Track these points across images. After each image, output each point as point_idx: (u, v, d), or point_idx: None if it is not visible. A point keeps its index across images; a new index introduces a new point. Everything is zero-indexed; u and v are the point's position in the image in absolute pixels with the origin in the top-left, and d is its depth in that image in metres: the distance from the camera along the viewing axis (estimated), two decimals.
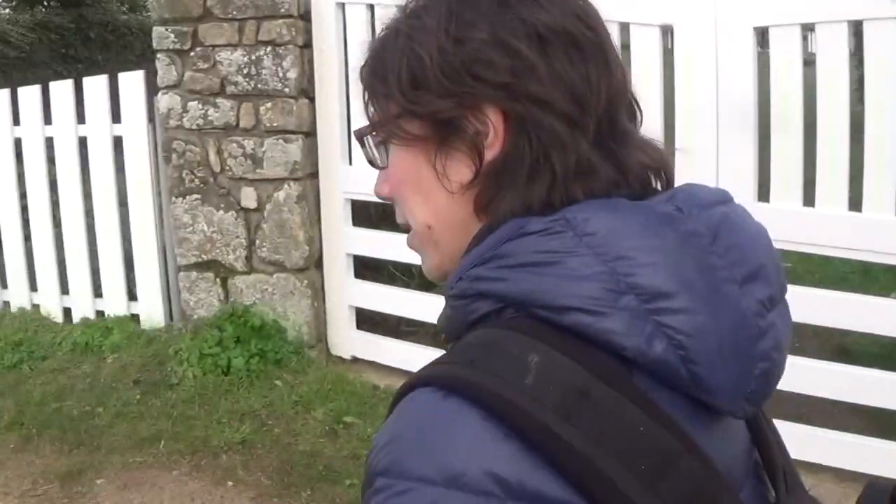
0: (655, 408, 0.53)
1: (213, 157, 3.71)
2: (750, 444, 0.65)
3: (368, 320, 3.90)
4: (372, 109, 0.66)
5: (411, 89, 0.61)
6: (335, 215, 3.75)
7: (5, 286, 4.44)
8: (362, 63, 0.66)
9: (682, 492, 0.51)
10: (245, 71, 3.63)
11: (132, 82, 3.80)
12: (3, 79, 7.12)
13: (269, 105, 3.64)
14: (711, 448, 0.55)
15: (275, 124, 3.65)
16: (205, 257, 3.80)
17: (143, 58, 9.08)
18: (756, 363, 0.57)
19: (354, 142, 3.36)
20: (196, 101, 3.68)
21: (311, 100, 3.71)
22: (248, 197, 3.72)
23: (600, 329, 0.53)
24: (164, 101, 3.72)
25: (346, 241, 3.77)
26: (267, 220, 3.72)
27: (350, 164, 3.67)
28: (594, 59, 0.61)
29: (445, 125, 0.60)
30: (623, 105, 0.64)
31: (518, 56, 0.59)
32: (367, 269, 3.90)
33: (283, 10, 3.55)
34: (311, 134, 3.72)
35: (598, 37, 0.62)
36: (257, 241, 3.75)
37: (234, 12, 3.60)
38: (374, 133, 0.66)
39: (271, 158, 3.67)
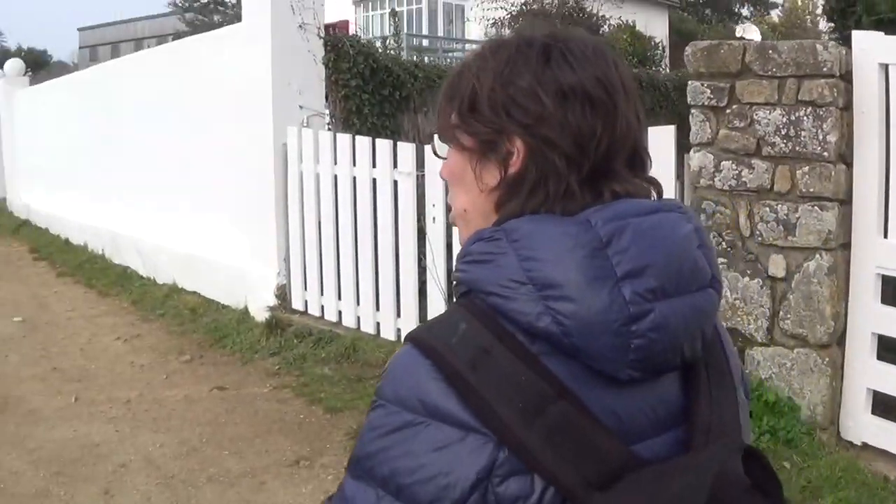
0: (539, 364, 0.79)
1: (742, 221, 3.79)
2: (680, 400, 0.87)
3: (882, 405, 3.63)
4: (442, 118, 0.96)
5: (468, 113, 0.90)
6: (864, 290, 3.56)
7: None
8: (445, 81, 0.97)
9: (551, 427, 0.77)
10: (783, 132, 3.61)
11: (663, 137, 3.97)
12: None
13: (805, 169, 3.56)
14: (605, 401, 0.80)
15: (811, 190, 3.56)
16: (726, 324, 3.97)
17: (650, 112, 9.14)
18: (630, 339, 0.79)
19: (892, 213, 3.15)
20: (729, 161, 3.79)
21: (848, 165, 3.51)
22: (777, 265, 3.72)
23: (507, 308, 0.81)
24: (697, 158, 3.89)
25: (872, 318, 3.57)
26: (794, 290, 3.68)
27: (885, 237, 3.39)
28: (603, 116, 0.86)
29: (486, 143, 0.89)
30: (624, 153, 0.88)
31: (542, 105, 0.85)
32: (888, 350, 3.59)
33: (825, 70, 3.42)
34: (845, 202, 3.54)
35: (612, 98, 0.87)
36: (781, 313, 3.74)
37: (774, 69, 3.59)
38: (440, 135, 0.97)
39: (804, 226, 3.60)
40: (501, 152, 0.87)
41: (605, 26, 16.39)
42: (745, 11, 32.93)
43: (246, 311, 6.33)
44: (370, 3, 23.69)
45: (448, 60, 14.27)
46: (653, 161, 0.94)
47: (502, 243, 0.83)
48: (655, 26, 20.34)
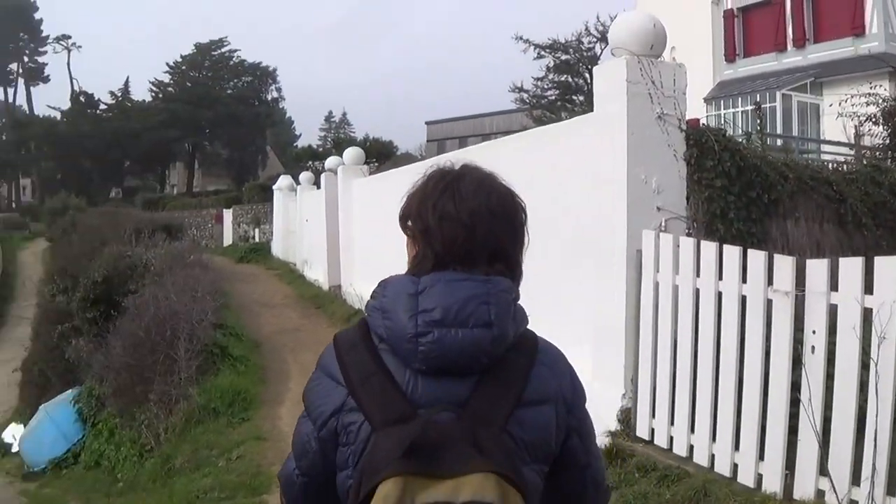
0: (377, 354, 1.68)
1: None
2: (465, 393, 1.63)
3: None
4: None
5: (401, 218, 1.81)
6: None
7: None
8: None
9: (373, 388, 1.64)
10: None
11: None
12: None
13: None
14: (408, 381, 1.64)
15: None
16: None
17: None
18: (418, 347, 1.61)
19: None
20: None
21: None
22: None
23: (370, 322, 1.70)
24: None
25: None
26: None
27: None
28: (466, 231, 1.70)
29: (408, 235, 1.80)
30: (485, 251, 1.72)
31: (428, 223, 1.73)
32: None
33: None
34: None
35: (473, 221, 1.71)
36: None
37: None
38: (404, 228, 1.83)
39: None
40: (414, 240, 1.78)
41: None
42: None
43: None
44: (722, 101, 23.89)
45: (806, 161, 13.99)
46: None
47: (379, 289, 1.74)
48: None
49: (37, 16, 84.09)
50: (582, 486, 1.82)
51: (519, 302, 1.74)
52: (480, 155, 10.24)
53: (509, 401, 1.63)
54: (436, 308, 1.62)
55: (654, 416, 5.97)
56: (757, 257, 5.27)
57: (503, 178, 1.87)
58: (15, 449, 14.03)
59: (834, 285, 4.79)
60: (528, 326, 1.74)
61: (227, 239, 36.49)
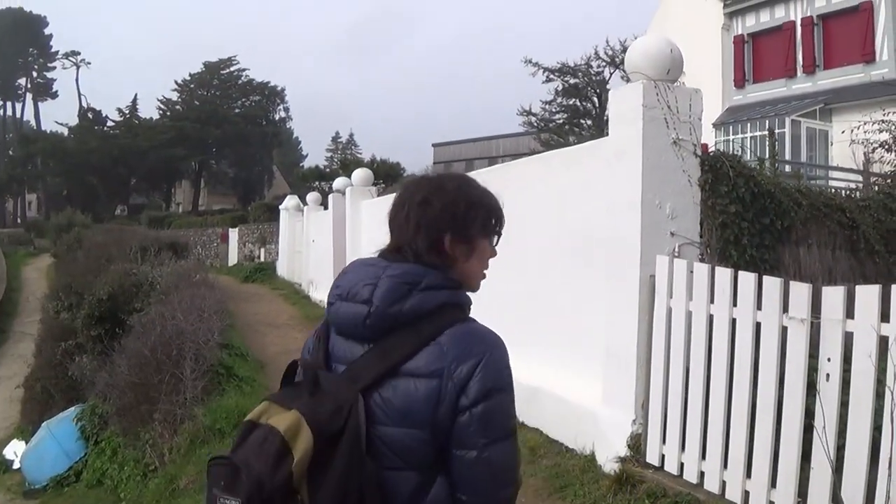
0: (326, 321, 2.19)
1: None
2: (359, 355, 2.06)
3: None
4: None
5: None
6: None
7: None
8: None
9: (316, 343, 2.18)
10: None
11: None
12: None
13: None
14: (335, 343, 2.13)
15: None
16: None
17: None
18: (329, 312, 2.14)
19: None
20: None
21: None
22: None
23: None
24: None
25: None
26: None
27: None
28: (394, 224, 2.19)
29: None
30: (414, 244, 2.12)
31: (406, 216, 2.15)
32: None
33: None
34: None
35: (397, 213, 2.17)
36: None
37: None
38: None
39: None
40: None
41: None
42: None
43: (592, 458, 6.47)
44: (731, 126, 24.05)
45: (819, 188, 14.24)
46: None
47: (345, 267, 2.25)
48: None
49: (46, 31, 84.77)
50: (470, 469, 1.98)
51: (433, 288, 2.05)
52: (488, 178, 10.22)
53: (381, 368, 1.99)
54: (341, 285, 2.12)
55: (664, 442, 5.95)
56: (773, 284, 5.26)
57: (460, 175, 2.30)
58: (16, 466, 14.00)
59: (849, 313, 4.79)
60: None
61: (233, 258, 36.61)
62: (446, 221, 2.12)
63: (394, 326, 2.01)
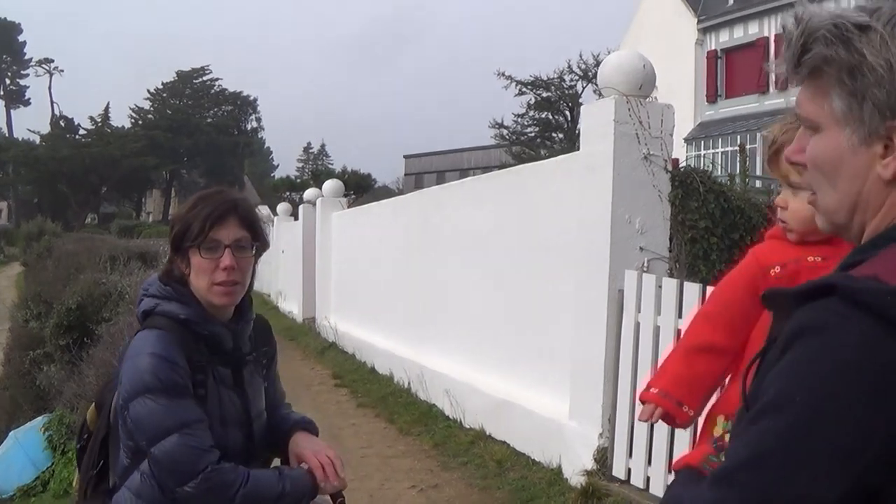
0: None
1: None
2: None
3: None
4: None
5: None
6: None
7: None
8: None
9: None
10: None
11: None
12: None
13: None
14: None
15: None
16: None
17: None
18: None
19: None
20: None
21: None
22: None
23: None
24: None
25: None
26: None
27: None
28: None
29: None
30: None
31: None
32: None
33: None
34: None
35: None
36: None
37: None
38: None
39: None
40: None
41: None
42: None
43: (559, 471, 6.47)
44: (703, 141, 24.21)
45: None
46: None
47: None
48: None
49: (20, 38, 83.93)
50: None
51: (150, 295, 2.45)
52: (460, 191, 10.32)
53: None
54: None
55: (631, 455, 5.96)
56: None
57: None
58: None
59: None
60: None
61: None
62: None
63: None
